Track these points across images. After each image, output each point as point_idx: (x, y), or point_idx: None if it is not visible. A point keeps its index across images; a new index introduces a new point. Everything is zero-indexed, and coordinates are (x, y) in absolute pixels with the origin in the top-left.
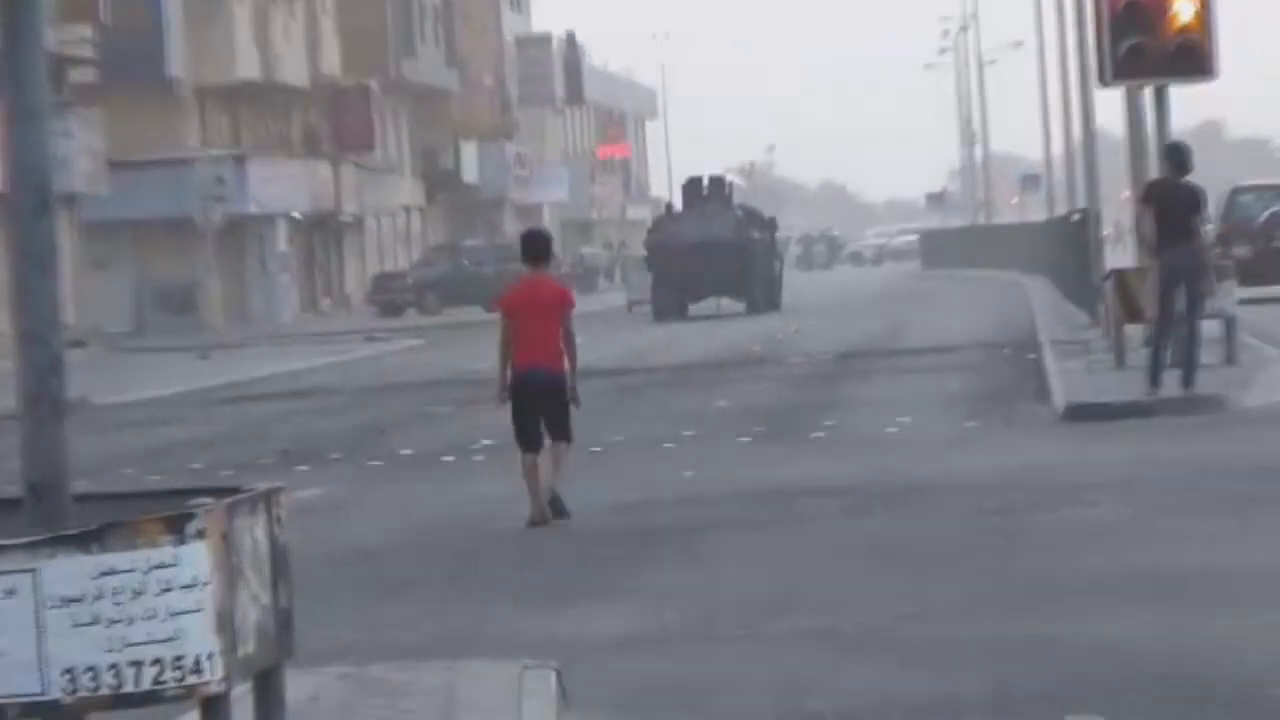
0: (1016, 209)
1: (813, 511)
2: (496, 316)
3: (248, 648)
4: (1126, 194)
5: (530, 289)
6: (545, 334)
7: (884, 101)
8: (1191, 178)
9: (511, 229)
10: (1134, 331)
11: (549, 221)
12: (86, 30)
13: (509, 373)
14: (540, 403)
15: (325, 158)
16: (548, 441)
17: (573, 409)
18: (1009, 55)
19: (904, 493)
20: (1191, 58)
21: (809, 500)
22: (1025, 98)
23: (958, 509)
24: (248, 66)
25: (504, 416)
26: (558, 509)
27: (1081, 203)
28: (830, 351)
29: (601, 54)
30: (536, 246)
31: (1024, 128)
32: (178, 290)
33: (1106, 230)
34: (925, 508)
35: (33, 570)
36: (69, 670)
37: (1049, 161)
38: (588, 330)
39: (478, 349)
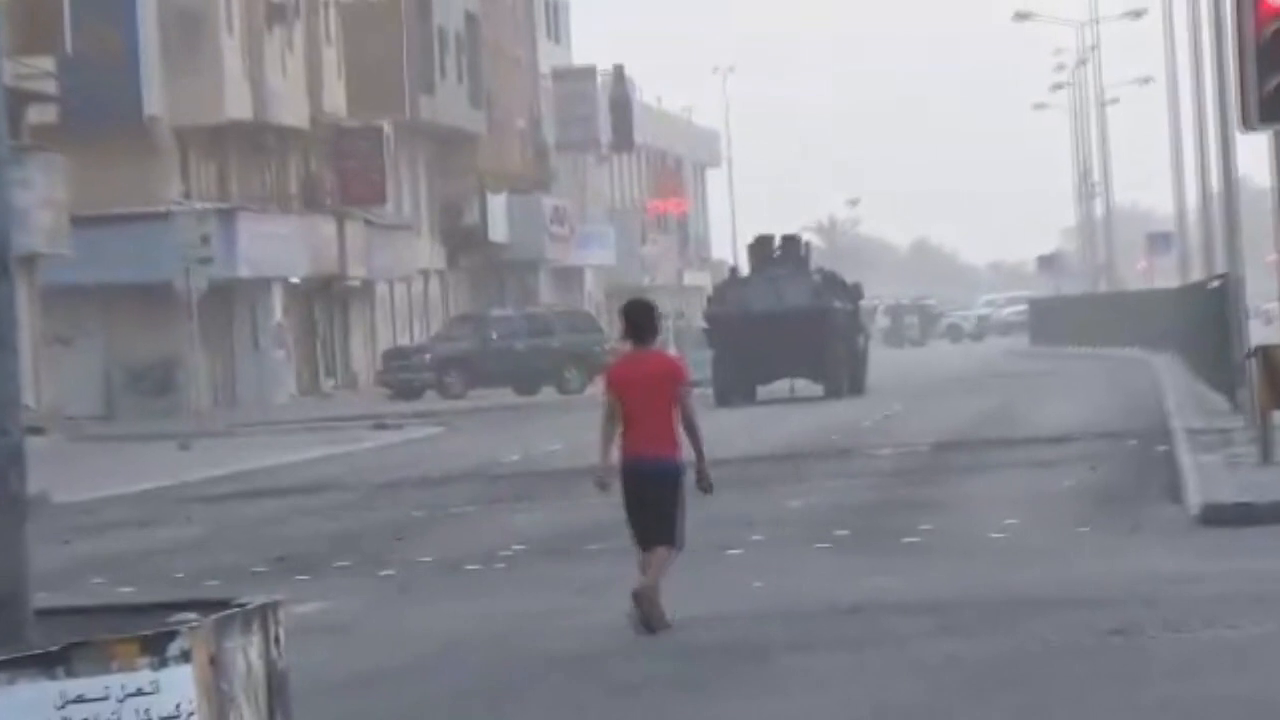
0: (1143, 274)
1: (904, 630)
2: (535, 400)
3: None
4: (1275, 256)
5: (639, 363)
6: (657, 415)
7: (987, 148)
8: None
9: (548, 295)
10: None
11: (591, 288)
12: (48, 63)
13: (615, 458)
14: (650, 496)
15: (328, 212)
16: None
17: (680, 512)
18: (1134, 93)
19: (1011, 609)
20: None
21: (899, 618)
22: (1154, 143)
23: (1074, 629)
24: (238, 105)
25: (566, 512)
26: (650, 612)
27: (1221, 266)
28: (924, 442)
29: (655, 91)
30: (640, 317)
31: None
32: (154, 368)
33: (1257, 303)
34: (1036, 627)
35: None
36: None
37: (1182, 217)
38: None
39: (507, 437)
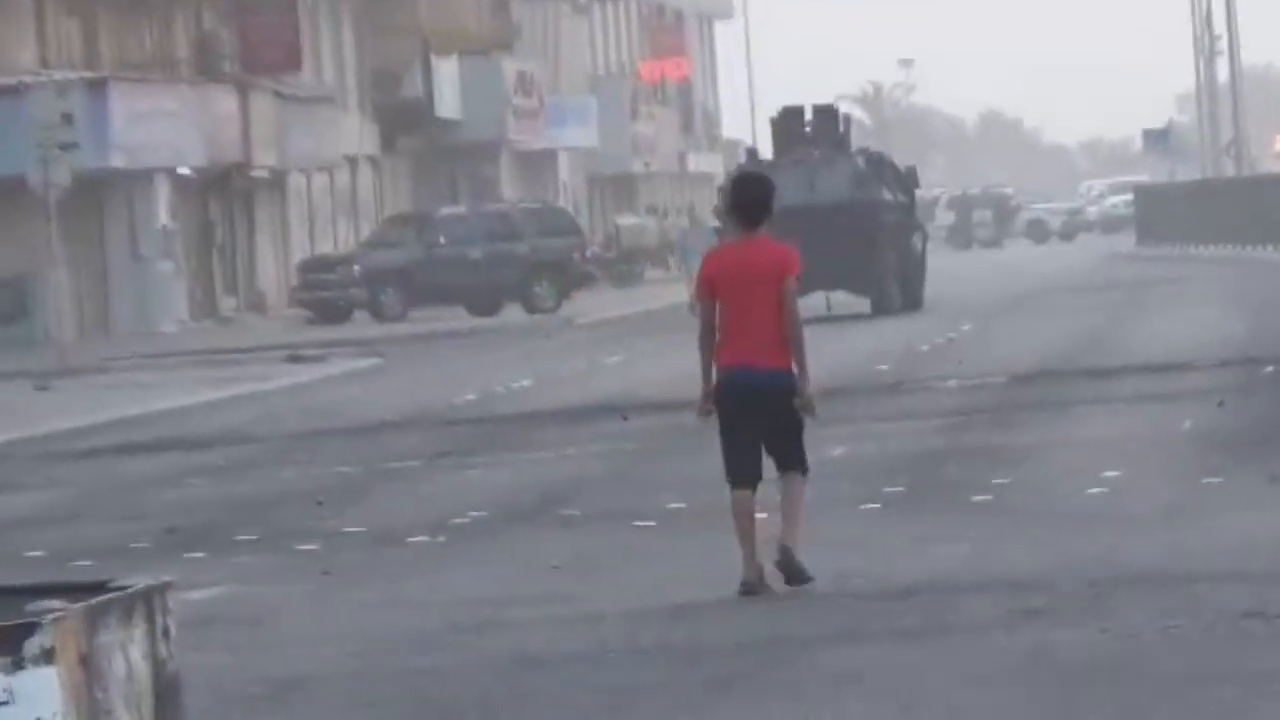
0: None
1: (976, 617)
2: (496, 322)
3: None
4: None
5: (742, 254)
6: (762, 317)
7: None
8: None
9: (511, 187)
10: None
11: (567, 177)
12: None
13: (713, 374)
14: (757, 415)
15: (228, 82)
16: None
17: (806, 422)
18: None
19: (1116, 588)
20: None
21: (970, 600)
22: None
23: (1199, 612)
24: None
25: (537, 468)
26: (793, 572)
27: None
28: (1000, 373)
29: None
30: (749, 196)
31: None
32: (2, 286)
33: None
34: (1148, 611)
35: None
36: None
37: None
38: (628, 341)
39: (460, 371)
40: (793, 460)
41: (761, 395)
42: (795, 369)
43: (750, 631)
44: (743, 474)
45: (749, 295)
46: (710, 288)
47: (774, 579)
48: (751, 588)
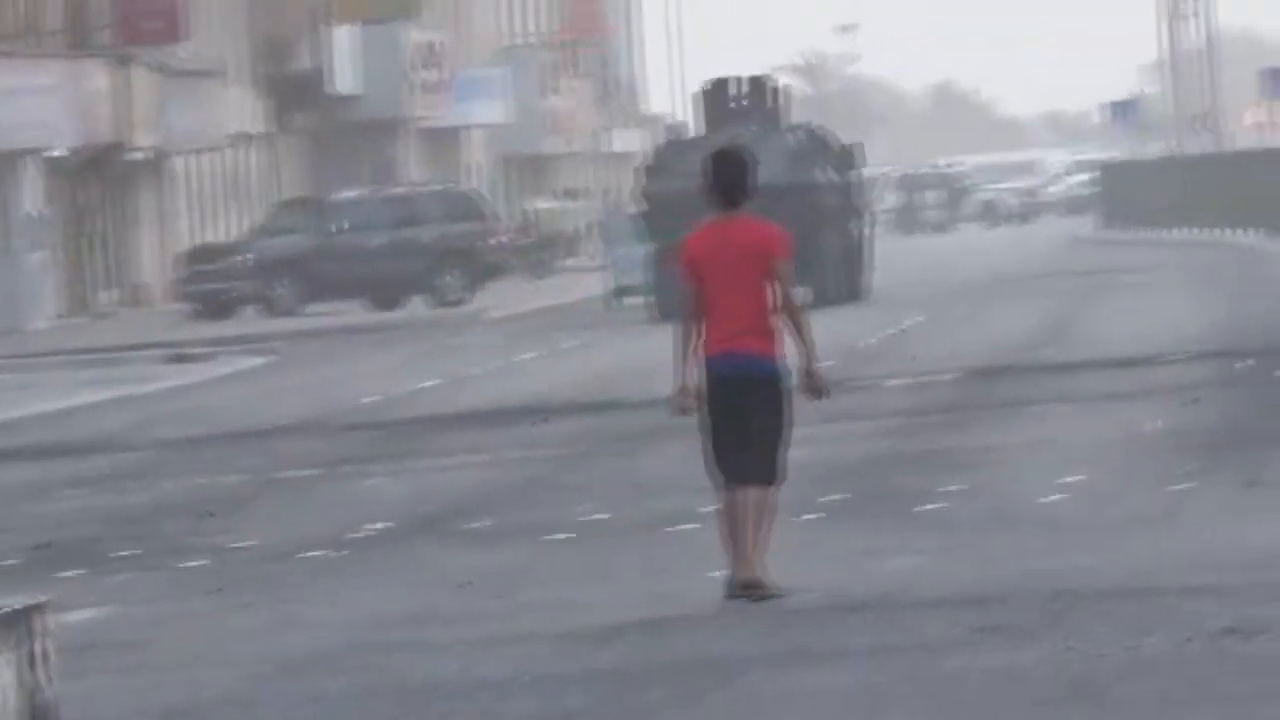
0: (1257, 127)
1: (929, 635)
2: (400, 316)
3: None
4: None
5: (723, 233)
6: (748, 300)
7: None
8: None
9: (416, 168)
10: None
11: (477, 157)
12: None
13: (693, 363)
14: (743, 406)
15: (103, 55)
16: None
17: (784, 434)
18: None
19: (1081, 603)
20: None
21: (921, 617)
22: None
23: (1171, 629)
24: None
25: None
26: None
27: None
28: (952, 369)
29: None
30: (729, 172)
31: None
32: None
33: None
34: (1117, 628)
35: None
36: None
37: None
38: (546, 337)
39: (360, 370)
40: (767, 469)
41: (748, 384)
42: (803, 351)
43: (682, 653)
44: (733, 470)
45: (733, 278)
46: (693, 270)
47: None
48: (751, 587)
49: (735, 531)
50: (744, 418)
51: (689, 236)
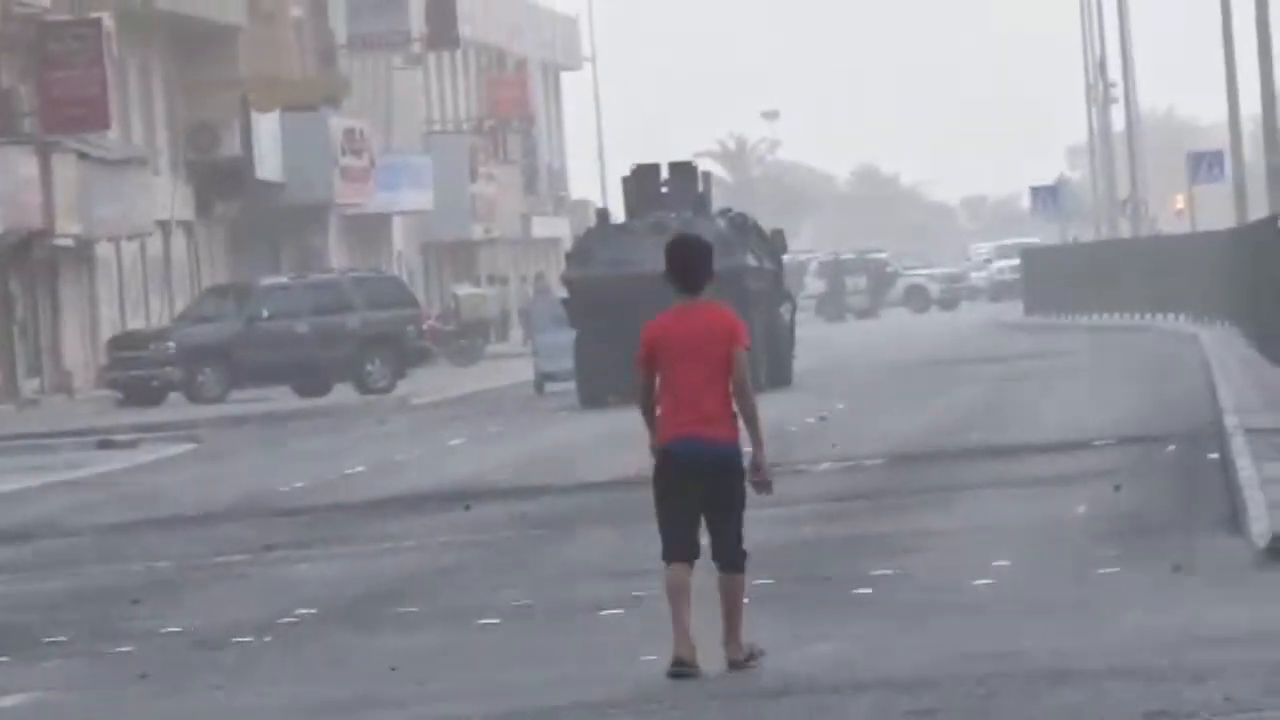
0: (1182, 212)
1: (863, 719)
2: (326, 403)
3: None
4: None
5: (685, 319)
6: (706, 387)
7: (957, 39)
8: None
9: (340, 255)
10: None
11: (401, 244)
12: None
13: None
14: (699, 489)
15: (27, 142)
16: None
17: (744, 511)
18: None
19: (1009, 687)
20: None
21: (851, 701)
22: (1196, 23)
23: (1097, 712)
24: None
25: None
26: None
27: None
28: (877, 453)
29: None
30: (688, 257)
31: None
32: None
33: None
34: (1044, 711)
35: None
36: None
37: (1236, 131)
38: (471, 422)
39: (287, 457)
40: (733, 555)
41: (705, 469)
42: (751, 445)
43: None
44: (679, 549)
45: (694, 365)
46: (651, 357)
47: (707, 660)
48: (684, 667)
49: (677, 609)
50: (700, 502)
51: (650, 323)
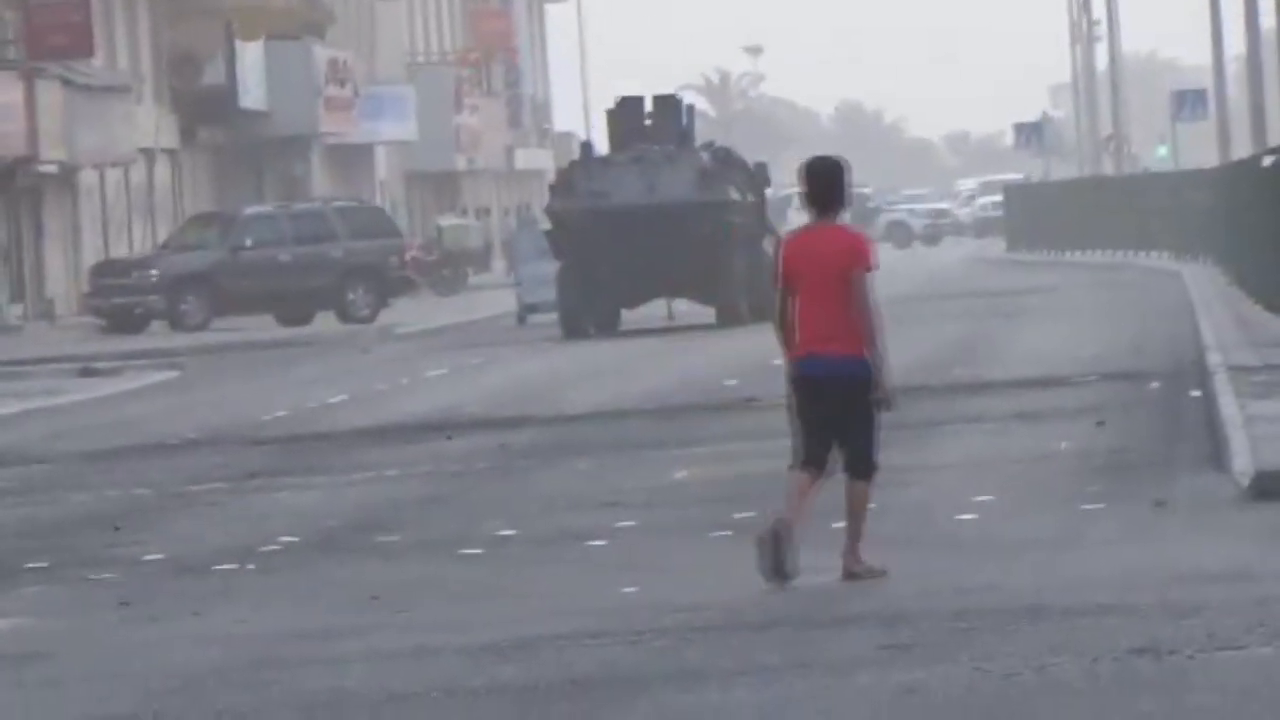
0: (1167, 148)
1: (838, 653)
2: (308, 332)
3: None
4: None
5: (811, 242)
6: (834, 306)
7: None
8: None
9: (323, 184)
10: None
11: (384, 173)
12: None
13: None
14: (827, 404)
15: (10, 69)
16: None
17: (874, 428)
18: None
19: (990, 622)
20: None
21: (830, 635)
22: None
23: (1081, 649)
24: None
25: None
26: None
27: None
28: None
29: None
30: (821, 182)
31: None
32: None
33: None
34: (1026, 647)
35: None
36: None
37: (1220, 69)
38: (453, 353)
39: (269, 385)
40: (860, 463)
41: (831, 384)
42: (873, 362)
43: (589, 669)
44: (803, 458)
45: (820, 284)
46: (784, 275)
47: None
48: (782, 530)
49: (793, 509)
50: (830, 417)
51: (783, 242)
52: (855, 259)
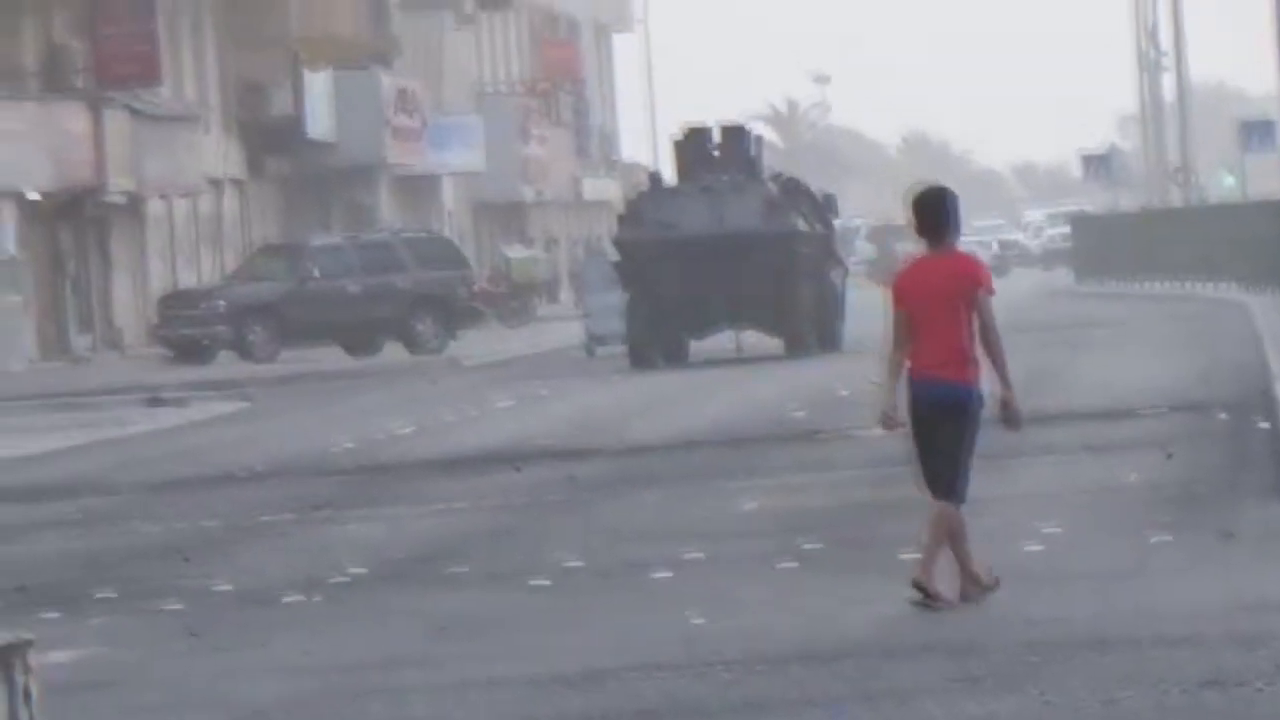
0: (1235, 178)
1: (906, 684)
2: (376, 362)
3: None
4: None
5: (928, 269)
6: (948, 331)
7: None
8: None
9: (391, 214)
10: None
11: (451, 204)
12: None
13: (895, 387)
14: (940, 426)
15: (79, 98)
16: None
17: (965, 456)
18: None
19: (1057, 653)
20: None
21: (900, 665)
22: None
23: (1149, 680)
24: None
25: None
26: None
27: None
28: None
29: None
30: (932, 213)
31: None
32: None
33: None
34: (1091, 679)
35: None
36: None
37: None
38: (521, 384)
39: (336, 416)
40: (948, 487)
41: (943, 408)
42: (999, 381)
43: (654, 701)
44: (932, 484)
45: (937, 310)
46: (901, 301)
47: (953, 591)
48: (923, 595)
49: (952, 545)
50: (940, 439)
51: (901, 270)
52: (975, 284)
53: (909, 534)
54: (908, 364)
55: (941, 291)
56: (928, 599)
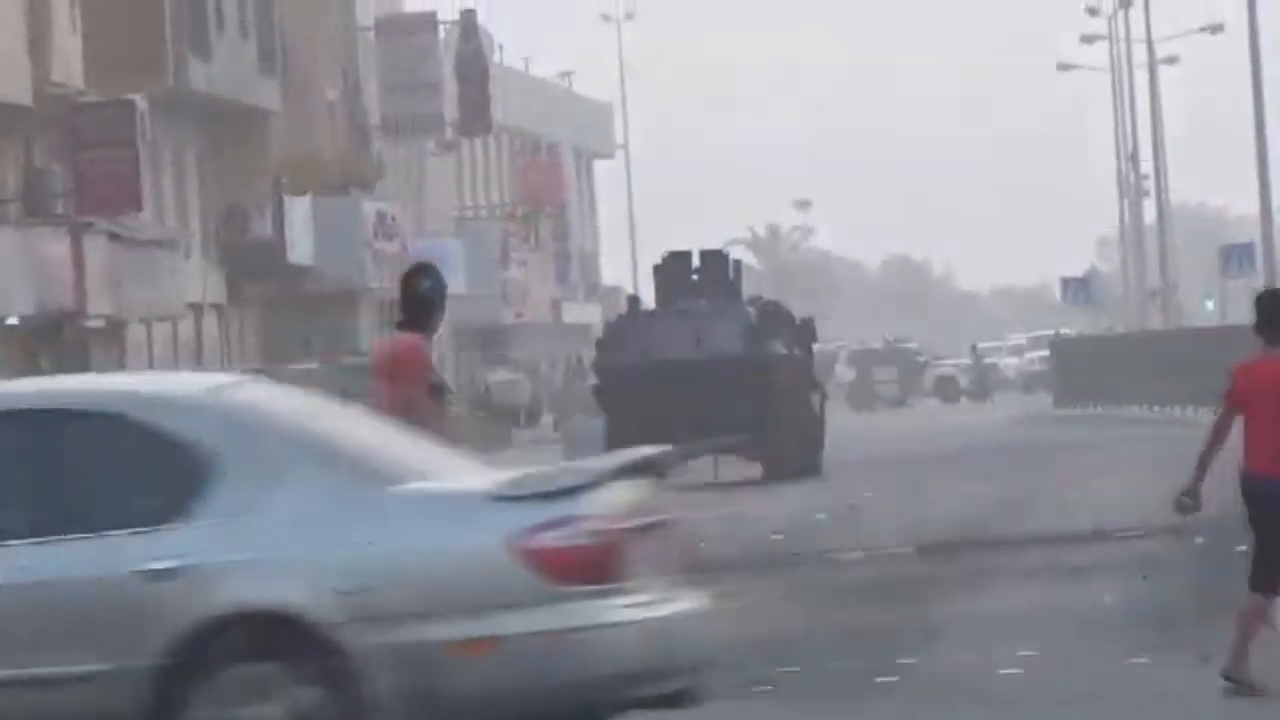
0: (1214, 301)
1: None
2: None
3: None
4: None
5: (1265, 365)
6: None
7: (991, 128)
8: None
9: (371, 337)
10: None
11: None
12: None
13: (1202, 472)
14: (1265, 523)
15: (60, 223)
16: None
17: None
18: (1200, 48)
19: None
20: None
21: None
22: (1228, 120)
23: None
24: None
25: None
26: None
27: None
28: (906, 543)
29: (521, 49)
30: (1271, 312)
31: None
32: None
33: None
34: None
35: None
36: None
37: (1268, 221)
38: None
39: None
40: (1261, 579)
41: (1272, 503)
42: None
43: None
44: (1253, 578)
45: (1270, 407)
46: (1238, 397)
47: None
48: (1233, 682)
49: (1244, 633)
50: (1266, 533)
51: (1241, 368)
52: None
53: (884, 658)
54: (1240, 461)
55: (1275, 389)
56: (1242, 689)
